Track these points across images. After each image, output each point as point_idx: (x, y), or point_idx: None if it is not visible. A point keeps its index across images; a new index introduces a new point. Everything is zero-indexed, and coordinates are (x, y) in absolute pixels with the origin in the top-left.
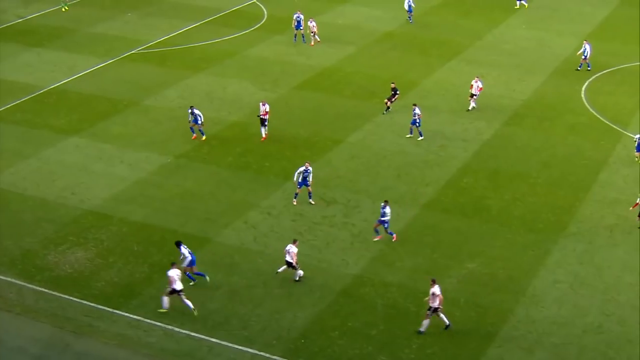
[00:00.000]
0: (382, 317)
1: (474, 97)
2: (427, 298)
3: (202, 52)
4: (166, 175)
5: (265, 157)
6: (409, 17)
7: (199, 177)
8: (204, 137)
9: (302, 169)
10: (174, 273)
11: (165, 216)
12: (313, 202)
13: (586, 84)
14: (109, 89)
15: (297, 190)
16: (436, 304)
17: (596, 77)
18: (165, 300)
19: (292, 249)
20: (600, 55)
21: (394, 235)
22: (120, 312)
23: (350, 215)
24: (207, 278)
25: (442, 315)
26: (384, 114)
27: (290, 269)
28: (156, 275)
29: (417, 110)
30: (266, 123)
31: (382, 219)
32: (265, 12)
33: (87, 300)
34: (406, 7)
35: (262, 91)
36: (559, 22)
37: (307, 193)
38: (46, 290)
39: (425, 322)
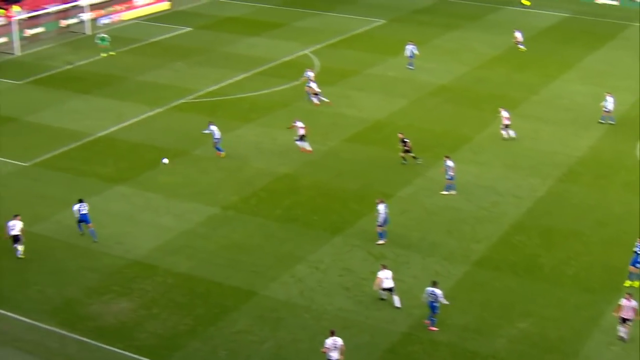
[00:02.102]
0: None
1: (507, 127)
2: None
3: (252, 102)
4: (213, 227)
5: (314, 210)
6: (410, 64)
7: (246, 229)
8: (223, 154)
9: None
10: None
11: (211, 268)
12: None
13: None
14: (157, 138)
15: (380, 230)
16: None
17: None
18: None
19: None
20: None
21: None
22: None
23: (399, 271)
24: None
25: None
26: (404, 163)
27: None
28: (200, 328)
29: (450, 163)
30: (305, 138)
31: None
32: (317, 63)
33: (130, 352)
34: (408, 55)
35: (313, 144)
36: (615, 77)
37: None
38: (89, 341)
39: None
